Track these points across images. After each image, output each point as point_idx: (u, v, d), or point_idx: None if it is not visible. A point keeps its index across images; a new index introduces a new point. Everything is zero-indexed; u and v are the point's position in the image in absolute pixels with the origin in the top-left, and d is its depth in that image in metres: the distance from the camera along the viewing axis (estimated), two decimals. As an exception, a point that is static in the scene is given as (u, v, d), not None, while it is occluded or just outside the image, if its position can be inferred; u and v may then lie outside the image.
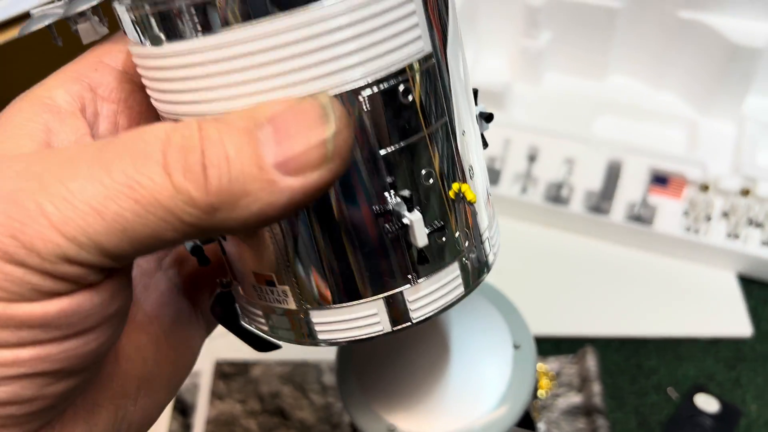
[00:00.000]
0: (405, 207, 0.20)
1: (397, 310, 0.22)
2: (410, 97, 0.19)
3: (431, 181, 0.21)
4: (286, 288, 0.22)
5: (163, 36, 0.19)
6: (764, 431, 0.49)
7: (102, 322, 0.19)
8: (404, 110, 0.20)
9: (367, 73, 0.19)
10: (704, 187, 0.55)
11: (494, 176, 0.59)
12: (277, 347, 0.27)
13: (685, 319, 0.54)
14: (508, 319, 0.33)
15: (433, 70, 0.20)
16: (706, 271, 0.56)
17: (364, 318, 0.22)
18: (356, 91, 0.19)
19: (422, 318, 0.22)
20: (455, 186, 0.22)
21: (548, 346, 0.54)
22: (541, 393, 0.50)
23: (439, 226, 0.21)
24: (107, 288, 0.19)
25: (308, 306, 0.22)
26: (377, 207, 0.20)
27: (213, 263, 0.27)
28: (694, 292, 0.55)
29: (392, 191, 0.20)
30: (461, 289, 0.23)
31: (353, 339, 0.23)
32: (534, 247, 0.59)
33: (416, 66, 0.19)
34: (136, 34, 0.19)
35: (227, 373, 0.53)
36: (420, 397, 0.31)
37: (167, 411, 0.51)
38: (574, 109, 0.62)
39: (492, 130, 0.65)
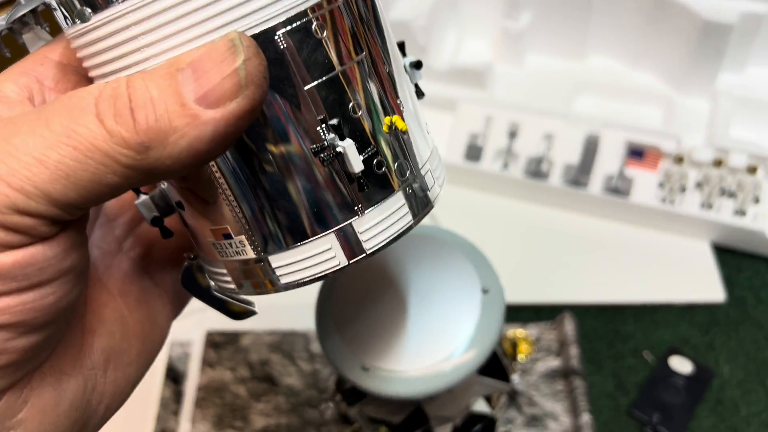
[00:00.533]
0: (337, 138, 0.21)
1: (350, 243, 0.23)
2: (324, 33, 0.21)
3: (360, 112, 0.22)
4: (242, 237, 0.23)
5: (88, 10, 0.20)
6: (736, 391, 0.50)
7: (57, 276, 0.20)
8: (320, 46, 0.21)
9: (278, 11, 0.20)
10: (679, 159, 0.57)
11: (476, 153, 0.61)
12: (251, 313, 0.28)
13: (661, 286, 0.56)
14: (477, 265, 0.35)
15: (346, 8, 0.21)
16: (681, 241, 0.58)
17: (320, 254, 0.23)
18: (271, 30, 0.20)
19: (376, 248, 0.23)
20: (387, 119, 0.23)
21: (529, 314, 0.55)
22: (521, 357, 0.52)
23: (372, 152, 0.22)
24: (61, 242, 0.20)
25: (265, 252, 0.23)
26: (312, 142, 0.21)
27: (174, 244, 0.28)
28: (670, 260, 0.57)
29: (323, 125, 0.21)
30: (409, 218, 0.24)
31: (313, 277, 0.23)
32: (515, 220, 0.61)
33: (325, 4, 0.21)
34: (67, 18, 0.21)
35: (218, 342, 0.55)
36: (392, 338, 0.33)
37: (159, 378, 0.53)
38: (554, 89, 0.64)
39: (473, 109, 0.67)
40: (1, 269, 0.19)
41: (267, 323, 0.56)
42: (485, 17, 0.66)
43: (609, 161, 0.58)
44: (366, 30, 0.22)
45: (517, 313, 0.55)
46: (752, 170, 0.55)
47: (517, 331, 0.54)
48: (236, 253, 0.24)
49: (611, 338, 0.54)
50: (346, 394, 0.39)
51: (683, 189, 0.57)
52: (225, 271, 0.25)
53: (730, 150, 0.55)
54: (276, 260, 0.23)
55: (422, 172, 0.25)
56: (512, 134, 0.61)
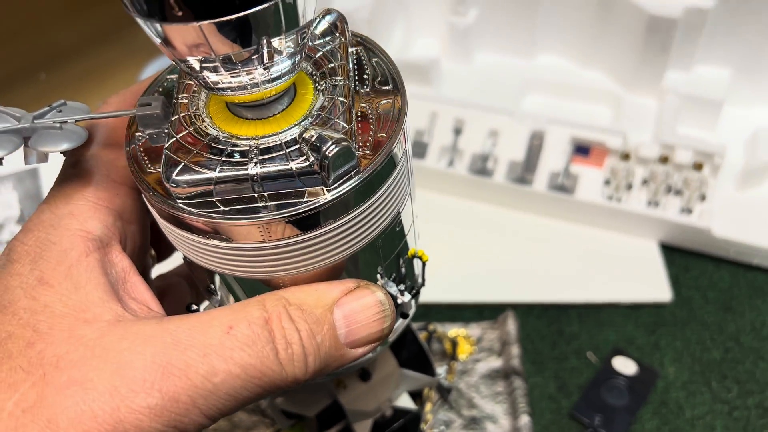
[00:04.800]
0: (396, 289, 0.27)
1: None
2: (397, 229, 0.26)
3: (405, 263, 0.29)
4: None
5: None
6: (681, 392, 0.49)
7: None
8: (396, 235, 0.27)
9: (384, 228, 0.25)
10: (625, 156, 0.56)
11: (422, 150, 0.59)
12: None
13: (606, 286, 0.54)
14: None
15: (408, 204, 0.27)
16: (627, 239, 0.56)
17: None
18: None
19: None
20: (412, 251, 0.29)
21: (471, 314, 0.54)
22: (461, 357, 0.50)
23: (415, 292, 0.30)
24: None
25: None
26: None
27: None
28: (617, 259, 0.56)
29: (381, 276, 0.27)
30: (414, 308, 0.30)
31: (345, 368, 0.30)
32: (459, 218, 0.59)
33: (404, 207, 0.26)
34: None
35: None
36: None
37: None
38: (503, 87, 0.63)
39: (419, 105, 0.65)
40: None
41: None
42: (432, 12, 0.64)
43: (554, 158, 0.57)
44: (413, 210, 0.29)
45: (459, 313, 0.54)
46: (698, 167, 0.54)
47: (458, 331, 0.52)
48: None
49: (555, 339, 0.52)
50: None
51: (629, 186, 0.55)
52: None
53: (676, 146, 0.54)
54: None
55: (425, 271, 0.32)
56: (457, 131, 0.59)
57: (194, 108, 0.24)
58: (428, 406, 0.44)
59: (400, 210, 0.26)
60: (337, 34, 0.26)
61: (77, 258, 0.23)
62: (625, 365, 0.50)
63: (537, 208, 0.58)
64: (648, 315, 0.53)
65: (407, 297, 0.27)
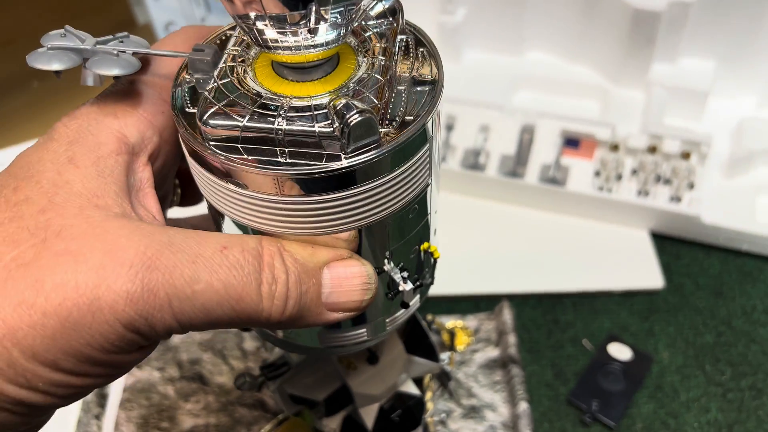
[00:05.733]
0: (399, 276, 0.28)
1: (377, 329, 0.31)
2: (410, 216, 0.27)
3: (414, 253, 0.29)
4: None
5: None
6: (676, 376, 0.50)
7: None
8: (408, 223, 0.27)
9: (394, 210, 0.26)
10: (614, 147, 0.57)
11: (414, 146, 0.60)
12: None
13: (599, 275, 0.55)
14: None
15: (426, 194, 0.27)
16: (619, 229, 0.58)
17: (356, 336, 0.31)
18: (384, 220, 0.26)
19: (393, 329, 0.32)
20: (425, 245, 0.29)
21: (468, 305, 0.54)
22: (459, 348, 0.51)
23: (418, 285, 0.30)
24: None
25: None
26: (379, 269, 0.28)
27: None
28: (609, 248, 0.56)
29: (389, 260, 0.28)
30: (418, 303, 0.32)
31: (346, 351, 0.32)
32: (453, 212, 0.60)
33: (420, 194, 0.26)
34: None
35: (146, 342, 0.53)
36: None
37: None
38: (492, 84, 0.64)
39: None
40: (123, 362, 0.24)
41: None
42: (421, 12, 0.65)
43: (545, 151, 0.58)
44: (433, 197, 0.29)
45: (456, 305, 0.54)
46: (686, 156, 0.56)
47: (456, 322, 0.52)
48: None
49: (550, 327, 0.53)
50: (265, 369, 0.37)
51: (619, 177, 0.56)
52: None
53: (664, 136, 0.56)
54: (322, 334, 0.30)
55: (435, 268, 0.32)
56: (449, 127, 0.60)
57: (242, 61, 0.25)
58: (428, 395, 0.44)
59: (414, 197, 0.26)
60: (391, 19, 0.27)
61: (108, 152, 0.24)
62: (620, 351, 0.51)
63: (529, 201, 0.59)
64: (641, 302, 0.54)
65: (409, 286, 0.28)
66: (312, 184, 0.23)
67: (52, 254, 0.21)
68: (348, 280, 0.25)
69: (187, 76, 0.26)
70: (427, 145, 0.25)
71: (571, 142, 0.58)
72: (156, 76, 0.27)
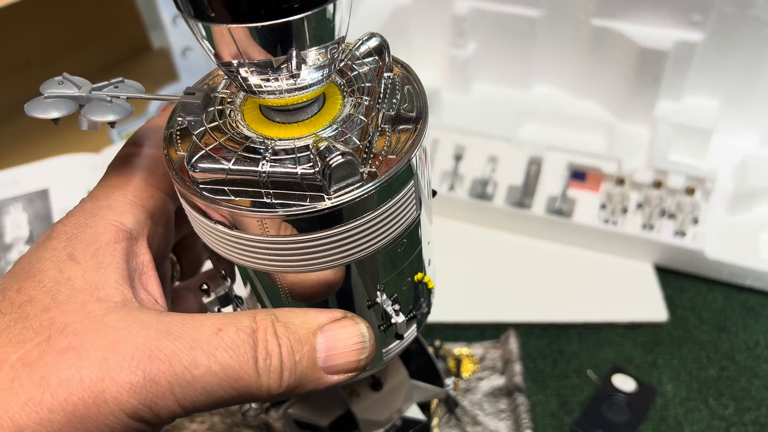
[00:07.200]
0: (392, 308, 0.28)
1: (374, 358, 0.30)
2: (400, 250, 0.27)
3: (407, 285, 0.29)
4: None
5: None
6: (680, 409, 0.50)
7: None
8: (398, 256, 0.28)
9: (381, 246, 0.26)
10: (620, 181, 0.58)
11: (423, 175, 0.61)
12: None
13: (604, 306, 0.56)
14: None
15: (416, 225, 0.27)
16: (623, 262, 0.58)
17: None
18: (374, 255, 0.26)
19: (391, 359, 0.32)
20: (418, 276, 0.30)
21: (474, 334, 0.55)
22: (465, 375, 0.51)
23: (411, 316, 0.30)
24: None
25: None
26: (371, 302, 0.28)
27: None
28: (613, 280, 0.57)
29: (381, 293, 0.28)
30: (415, 333, 0.32)
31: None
32: (461, 241, 0.60)
33: (409, 228, 0.27)
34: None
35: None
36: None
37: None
38: (500, 117, 0.65)
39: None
40: None
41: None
42: (433, 45, 0.67)
43: (552, 183, 0.59)
44: (423, 231, 0.29)
45: (462, 333, 0.55)
46: (690, 191, 0.57)
47: (462, 350, 0.53)
48: None
49: (555, 357, 0.53)
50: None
51: (625, 210, 0.57)
52: None
53: (669, 172, 0.57)
54: None
55: (431, 296, 0.32)
56: (458, 157, 0.61)
57: (231, 104, 0.26)
58: (435, 420, 0.45)
59: (402, 232, 0.26)
60: (376, 58, 0.27)
61: (106, 243, 0.26)
62: (624, 383, 0.51)
63: (536, 232, 0.59)
64: (645, 334, 0.54)
65: (401, 318, 0.28)
66: (296, 225, 0.23)
67: (56, 351, 0.22)
68: (342, 341, 0.26)
69: (179, 119, 0.27)
70: (412, 181, 0.25)
71: (578, 175, 0.59)
72: (147, 154, 0.29)
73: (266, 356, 0.24)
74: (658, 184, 0.57)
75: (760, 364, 0.52)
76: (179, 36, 0.69)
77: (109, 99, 0.25)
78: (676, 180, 0.56)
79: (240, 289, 0.29)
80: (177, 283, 0.35)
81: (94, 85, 0.26)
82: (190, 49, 0.70)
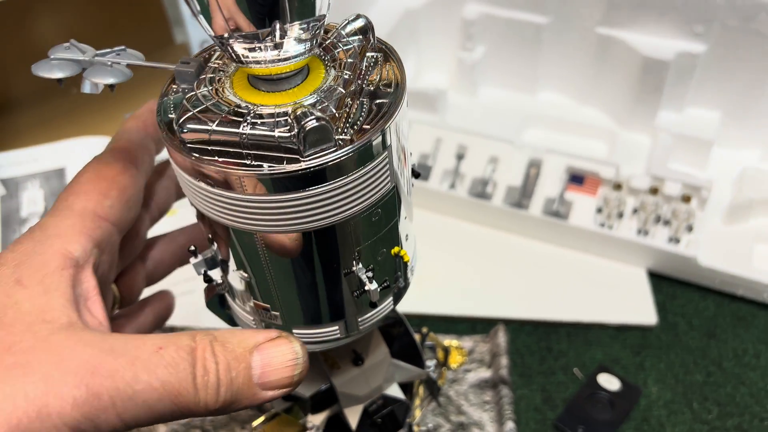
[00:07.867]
0: (365, 275, 0.29)
1: (349, 326, 0.32)
2: (374, 219, 0.28)
3: (383, 256, 0.31)
4: (278, 313, 0.31)
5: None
6: (663, 410, 0.50)
7: None
8: (373, 225, 0.29)
9: (353, 213, 0.27)
10: (617, 186, 0.59)
11: (426, 172, 0.63)
12: None
13: (595, 308, 0.56)
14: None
15: (391, 198, 0.29)
16: (617, 266, 0.59)
17: (329, 333, 0.32)
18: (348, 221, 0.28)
19: (368, 328, 0.33)
20: (395, 249, 0.31)
21: (465, 327, 0.56)
22: (452, 366, 0.52)
23: (385, 285, 0.31)
24: None
25: (291, 325, 0.32)
26: (347, 270, 0.30)
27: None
28: (606, 283, 0.58)
29: (357, 261, 0.29)
30: (392, 305, 0.33)
31: (318, 348, 0.33)
32: (459, 238, 0.62)
33: (382, 199, 0.28)
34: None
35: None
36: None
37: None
38: (504, 120, 0.67)
39: (425, 130, 0.69)
40: None
41: (199, 321, 0.56)
42: (442, 48, 0.69)
43: (550, 185, 0.60)
44: (400, 203, 0.30)
45: (453, 325, 0.56)
46: (686, 199, 0.57)
47: (451, 342, 0.54)
48: (268, 317, 0.32)
49: (543, 354, 0.54)
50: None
51: (620, 215, 0.58)
52: (251, 318, 0.33)
53: (666, 179, 0.57)
54: (297, 330, 0.32)
55: (408, 272, 0.33)
56: (460, 156, 0.63)
57: (222, 73, 0.28)
58: (416, 401, 0.46)
59: (374, 201, 0.28)
60: (361, 37, 0.29)
61: (53, 269, 0.27)
62: (609, 382, 0.52)
63: (532, 232, 0.60)
64: (634, 337, 0.55)
65: (374, 286, 0.30)
66: (270, 184, 0.25)
67: (2, 368, 0.24)
68: (277, 358, 0.27)
69: (174, 86, 0.29)
70: (386, 152, 0.27)
71: (576, 179, 0.60)
72: (94, 185, 0.31)
73: (204, 373, 0.26)
74: (654, 191, 0.58)
75: (747, 372, 0.53)
76: (199, 30, 0.72)
77: (109, 64, 0.28)
78: (672, 187, 0.57)
79: (224, 251, 0.30)
80: (117, 311, 0.37)
81: (98, 51, 0.28)
82: (206, 42, 0.73)
